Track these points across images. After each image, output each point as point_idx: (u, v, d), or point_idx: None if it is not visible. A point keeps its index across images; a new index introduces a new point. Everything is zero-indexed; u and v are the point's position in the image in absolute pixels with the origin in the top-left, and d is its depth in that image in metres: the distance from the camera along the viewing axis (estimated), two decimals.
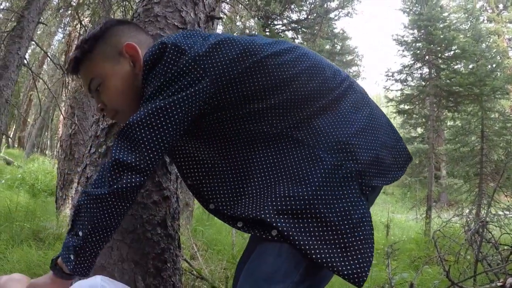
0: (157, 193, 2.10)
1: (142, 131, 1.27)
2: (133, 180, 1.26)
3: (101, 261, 1.94)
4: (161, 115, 1.27)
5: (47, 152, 20.58)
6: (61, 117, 6.31)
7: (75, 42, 6.74)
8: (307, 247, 1.18)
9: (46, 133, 23.94)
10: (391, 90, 17.24)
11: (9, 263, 3.33)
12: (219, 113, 1.36)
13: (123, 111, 1.52)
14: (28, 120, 23.49)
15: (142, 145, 1.26)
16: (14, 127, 23.63)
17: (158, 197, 2.10)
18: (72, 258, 1.32)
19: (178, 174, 1.77)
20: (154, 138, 1.27)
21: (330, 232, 1.20)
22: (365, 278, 1.18)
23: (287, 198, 1.24)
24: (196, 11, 2.37)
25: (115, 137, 2.02)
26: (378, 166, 1.36)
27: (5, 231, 4.22)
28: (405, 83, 16.63)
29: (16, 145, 22.79)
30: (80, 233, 1.32)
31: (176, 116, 1.28)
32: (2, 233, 4.12)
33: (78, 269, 1.35)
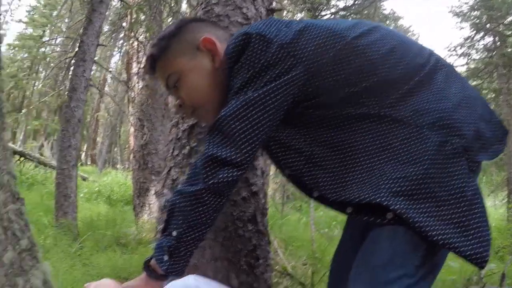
0: (246, 189, 2.07)
1: (237, 123, 1.23)
2: (229, 175, 1.24)
3: (194, 261, 1.92)
4: (255, 106, 1.23)
5: (118, 166, 21.59)
6: (131, 129, 6.52)
7: (134, 59, 6.93)
8: (426, 228, 1.11)
9: (115, 149, 25.14)
10: (456, 67, 16.31)
11: (95, 268, 3.48)
12: (313, 100, 1.30)
13: (202, 106, 1.49)
14: (98, 138, 24.75)
15: (238, 138, 1.23)
16: (85, 146, 24.99)
17: (247, 193, 2.07)
18: (166, 258, 1.31)
19: (274, 165, 1.73)
20: (250, 130, 1.24)
21: (446, 211, 1.13)
22: (487, 258, 1.10)
23: (400, 179, 1.17)
24: (256, 5, 2.33)
25: (205, 135, 2.02)
26: (480, 140, 1.27)
27: (89, 239, 4.43)
28: (469, 57, 15.71)
29: (89, 163, 24.09)
30: (174, 233, 1.30)
31: (271, 106, 1.24)
32: (87, 241, 4.32)
33: (172, 269, 1.33)
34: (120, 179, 12.91)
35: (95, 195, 9.55)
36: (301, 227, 6.06)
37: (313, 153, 1.38)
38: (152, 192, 5.74)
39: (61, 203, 5.58)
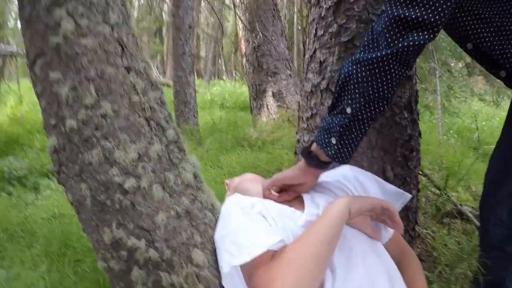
0: None
1: None
2: (419, 38, 1.06)
3: None
4: None
5: (224, 77, 21.99)
6: (240, 34, 6.34)
7: None
8: None
9: (219, 61, 25.54)
10: None
11: (225, 168, 3.49)
12: None
13: None
14: (201, 52, 25.22)
15: None
16: None
17: None
18: (334, 142, 1.17)
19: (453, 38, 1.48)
20: None
21: None
22: None
23: None
24: None
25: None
26: None
27: (212, 142, 4.49)
28: None
29: (196, 77, 24.75)
30: (348, 110, 1.15)
31: None
32: (211, 144, 4.38)
33: (339, 154, 1.19)
34: (229, 88, 13.11)
35: (208, 104, 9.80)
36: (424, 131, 5.62)
37: (504, 24, 1.25)
38: (269, 93, 5.65)
39: (181, 110, 5.73)
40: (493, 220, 1.58)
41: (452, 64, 7.35)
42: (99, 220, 1.06)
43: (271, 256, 0.99)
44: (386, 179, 1.82)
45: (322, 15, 1.93)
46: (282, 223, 1.10)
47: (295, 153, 2.12)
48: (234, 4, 6.73)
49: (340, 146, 1.18)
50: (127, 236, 1.04)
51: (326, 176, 1.37)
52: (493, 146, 1.68)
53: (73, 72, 1.06)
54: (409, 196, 1.33)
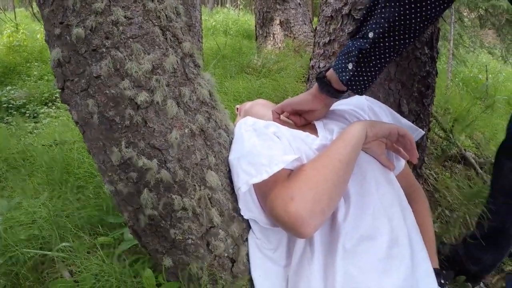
0: None
1: None
2: None
3: None
4: None
5: (227, 5, 21.29)
6: None
7: None
8: None
9: None
10: None
11: (231, 94, 3.41)
12: None
13: None
14: None
15: None
16: None
17: None
18: (351, 67, 1.10)
19: None
20: None
21: None
22: None
23: None
24: None
25: None
26: None
27: (217, 67, 4.38)
28: None
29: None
30: (371, 34, 1.06)
31: None
32: (216, 69, 4.28)
33: (353, 81, 1.12)
34: (232, 16, 12.70)
35: (211, 30, 9.50)
36: None
37: None
38: (277, 21, 5.44)
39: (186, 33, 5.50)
40: (509, 166, 1.54)
41: (465, 13, 7.13)
42: (107, 139, 0.99)
43: (287, 175, 0.97)
44: (401, 113, 1.77)
45: None
46: (296, 145, 1.08)
47: (308, 79, 2.03)
48: None
49: (356, 73, 1.10)
50: (138, 155, 0.97)
51: (340, 104, 1.32)
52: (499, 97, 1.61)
53: None
54: (422, 132, 1.29)
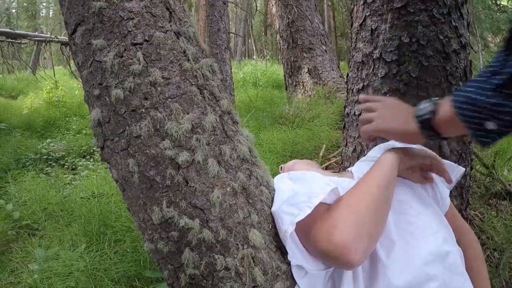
0: (456, 41, 1.71)
1: None
2: None
3: None
4: None
5: (254, 57, 21.86)
6: (274, 10, 6.21)
7: None
8: None
9: (249, 40, 25.37)
10: None
11: (266, 145, 3.41)
12: None
13: None
14: (231, 32, 25.09)
15: None
16: None
17: (457, 46, 1.72)
18: (492, 127, 0.80)
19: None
20: None
21: None
22: None
23: None
24: None
25: None
26: None
27: (251, 118, 4.43)
28: None
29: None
30: None
31: None
32: (249, 121, 4.33)
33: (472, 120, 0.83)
34: (261, 67, 12.97)
35: (241, 82, 9.71)
36: None
37: None
38: (305, 70, 5.51)
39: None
40: None
41: (489, 38, 7.09)
42: (148, 198, 0.98)
43: (326, 208, 0.95)
44: (442, 154, 1.72)
45: None
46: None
47: (344, 127, 2.01)
48: None
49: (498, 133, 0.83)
50: (179, 215, 0.96)
51: (379, 148, 1.28)
52: None
53: (118, 38, 0.98)
54: (462, 169, 1.22)
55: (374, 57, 1.76)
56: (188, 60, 1.01)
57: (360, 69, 1.84)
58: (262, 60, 15.79)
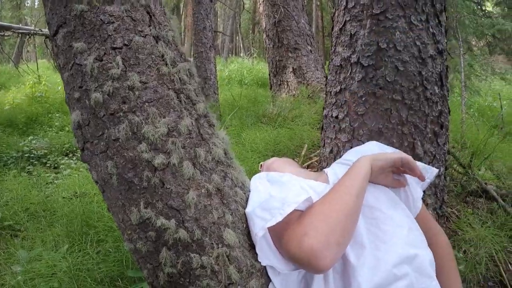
0: (433, 46, 1.79)
1: None
2: None
3: (379, 126, 1.76)
4: None
5: (241, 54, 21.84)
6: (261, 8, 6.23)
7: None
8: None
9: (237, 38, 25.30)
10: None
11: (248, 145, 3.45)
12: None
13: None
14: (219, 30, 24.93)
15: None
16: None
17: (434, 51, 1.80)
18: None
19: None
20: None
21: None
22: None
23: None
24: None
25: None
26: None
27: (234, 118, 4.45)
28: None
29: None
30: None
31: None
32: (232, 120, 4.35)
33: None
34: (247, 65, 12.99)
35: (226, 80, 9.73)
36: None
37: None
38: (290, 69, 5.55)
39: (201, 86, 5.61)
40: None
41: (473, 42, 7.19)
42: (126, 199, 1.02)
43: (299, 215, 0.99)
44: (416, 155, 1.77)
45: None
46: (308, 192, 1.11)
47: (322, 128, 2.05)
48: None
49: None
50: (156, 215, 0.99)
51: (355, 151, 1.32)
52: None
53: (98, 41, 1.01)
54: (435, 170, 1.29)
55: (352, 61, 1.80)
56: (166, 64, 1.04)
57: (338, 72, 1.88)
58: (248, 58, 15.81)
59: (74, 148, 4.92)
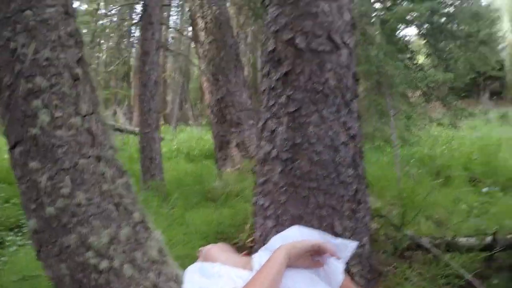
0: (344, 134, 2.01)
1: None
2: None
3: (299, 212, 1.95)
4: None
5: (190, 122, 22.21)
6: (205, 85, 6.55)
7: (198, 15, 6.77)
8: None
9: (186, 105, 25.68)
10: None
11: (191, 226, 3.62)
12: None
13: None
14: (167, 97, 25.30)
15: None
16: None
17: (346, 138, 2.02)
18: None
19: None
20: None
21: None
22: None
23: None
24: None
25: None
26: None
27: (178, 197, 4.60)
28: None
29: (162, 122, 24.71)
30: None
31: None
32: (177, 200, 4.47)
33: None
34: (195, 134, 13.17)
35: (174, 153, 9.86)
36: (384, 167, 5.85)
37: None
38: (233, 144, 5.82)
39: (147, 166, 5.83)
40: None
41: (409, 94, 7.52)
42: None
43: None
44: (336, 233, 1.94)
45: (272, 86, 2.10)
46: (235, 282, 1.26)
47: (253, 214, 2.24)
48: (199, 56, 6.95)
49: None
50: None
51: (280, 235, 1.52)
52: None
53: (50, 162, 1.22)
54: (355, 243, 1.45)
55: (273, 155, 2.03)
56: (107, 181, 1.27)
57: (262, 165, 2.11)
58: (197, 126, 16.05)
59: (20, 223, 4.63)
